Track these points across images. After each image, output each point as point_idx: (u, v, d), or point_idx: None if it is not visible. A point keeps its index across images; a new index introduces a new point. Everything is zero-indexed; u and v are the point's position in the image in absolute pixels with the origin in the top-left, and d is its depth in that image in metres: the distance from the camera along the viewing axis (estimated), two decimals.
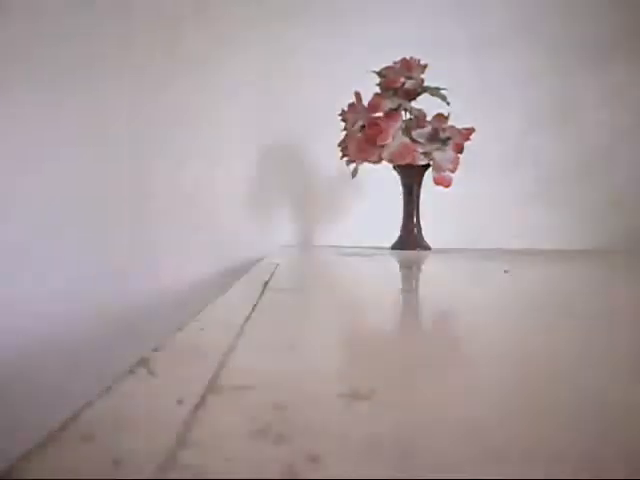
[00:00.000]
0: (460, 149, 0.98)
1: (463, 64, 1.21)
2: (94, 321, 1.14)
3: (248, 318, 0.32)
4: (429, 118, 0.99)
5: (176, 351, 0.24)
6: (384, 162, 0.96)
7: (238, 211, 1.23)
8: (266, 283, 0.51)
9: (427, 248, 1.01)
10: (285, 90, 1.23)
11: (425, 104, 0.97)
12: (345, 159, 1.00)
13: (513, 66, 1.25)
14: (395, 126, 0.94)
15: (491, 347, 0.27)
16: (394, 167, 1.01)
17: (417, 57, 0.95)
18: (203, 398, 0.17)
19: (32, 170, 1.17)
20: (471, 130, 0.98)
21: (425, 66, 0.94)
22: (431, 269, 0.80)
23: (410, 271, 0.79)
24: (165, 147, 1.21)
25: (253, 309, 0.36)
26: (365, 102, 0.99)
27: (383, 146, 0.94)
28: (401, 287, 0.61)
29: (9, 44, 1.16)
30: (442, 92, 0.93)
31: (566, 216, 1.26)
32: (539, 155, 1.27)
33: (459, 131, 0.97)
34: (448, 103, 0.93)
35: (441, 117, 0.99)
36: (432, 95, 0.93)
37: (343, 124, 1.01)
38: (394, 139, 0.94)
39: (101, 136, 1.19)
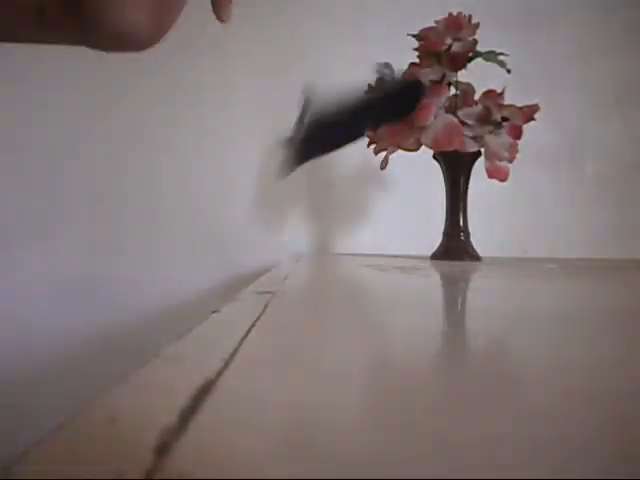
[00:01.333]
0: (518, 133, 0.78)
1: (511, 38, 1.01)
2: (86, 332, 1.02)
3: (220, 374, 0.19)
4: (477, 96, 0.79)
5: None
6: (423, 149, 0.76)
7: (242, 212, 1.04)
8: (265, 306, 0.34)
9: (476, 258, 0.81)
10: (297, 69, 1.05)
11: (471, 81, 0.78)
12: (373, 147, 0.81)
13: (570, 40, 1.07)
14: (439, 102, 0.73)
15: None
16: (434, 156, 0.81)
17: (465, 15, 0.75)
18: None
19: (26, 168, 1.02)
20: (534, 108, 0.77)
21: (477, 25, 0.74)
22: (483, 287, 0.63)
23: (456, 289, 0.62)
24: (168, 142, 1.06)
25: (235, 352, 0.21)
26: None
27: (423, 128, 0.73)
28: (443, 316, 0.42)
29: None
30: (500, 58, 0.72)
31: (630, 220, 1.08)
32: (601, 145, 1.07)
33: (519, 110, 0.77)
34: (509, 71, 0.72)
35: (493, 94, 0.79)
36: (486, 60, 0.72)
37: None
38: (436, 119, 0.74)
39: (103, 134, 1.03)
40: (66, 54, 1.07)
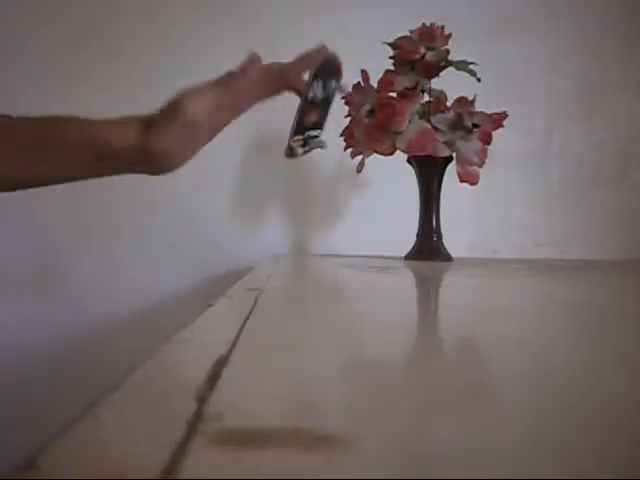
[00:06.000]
0: (488, 139, 0.82)
1: (479, 49, 1.05)
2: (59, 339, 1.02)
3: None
4: (449, 103, 0.83)
5: None
6: (397, 153, 0.79)
7: (220, 213, 1.06)
8: (256, 301, 0.36)
9: (448, 258, 0.85)
10: None
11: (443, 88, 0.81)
12: (349, 150, 0.84)
13: (538, 50, 1.11)
14: (413, 108, 0.77)
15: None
16: (409, 160, 0.85)
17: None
18: None
19: None
20: (502, 116, 0.81)
21: (449, 36, 0.77)
22: (454, 285, 0.66)
23: (429, 287, 0.65)
24: None
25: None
26: (374, 82, 0.82)
27: (397, 133, 0.77)
28: (417, 311, 0.45)
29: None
30: (471, 67, 0.76)
31: (596, 222, 1.11)
32: (565, 151, 1.12)
33: (488, 117, 0.80)
34: (479, 79, 0.76)
35: (465, 101, 0.82)
36: (458, 69, 0.76)
37: (347, 108, 0.84)
38: (410, 125, 0.77)
39: None
40: (65, 57, 1.07)
